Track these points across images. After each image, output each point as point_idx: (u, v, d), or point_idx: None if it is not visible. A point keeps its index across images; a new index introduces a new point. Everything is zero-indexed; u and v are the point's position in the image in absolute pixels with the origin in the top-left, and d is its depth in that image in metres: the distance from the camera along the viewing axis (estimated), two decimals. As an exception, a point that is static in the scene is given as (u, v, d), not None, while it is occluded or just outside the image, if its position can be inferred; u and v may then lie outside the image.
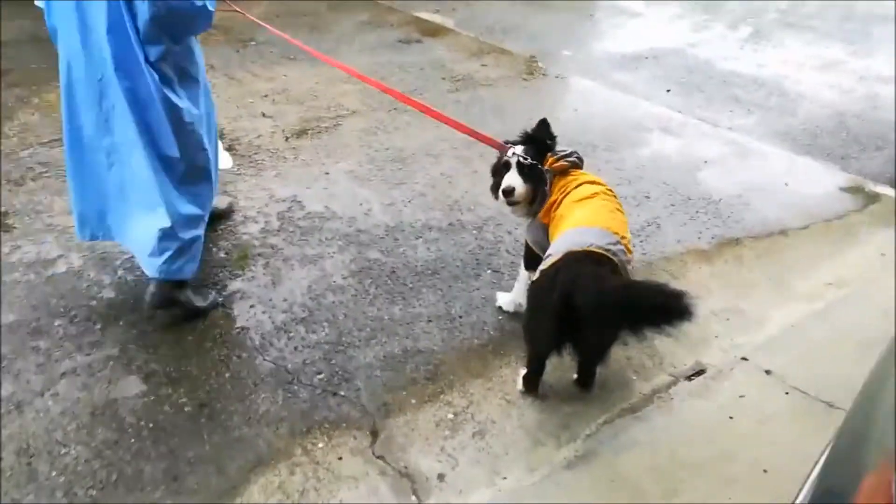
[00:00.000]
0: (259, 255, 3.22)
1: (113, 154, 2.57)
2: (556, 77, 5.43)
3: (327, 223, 3.48)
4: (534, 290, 2.34)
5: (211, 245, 3.23)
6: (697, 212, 3.67)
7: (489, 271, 3.18)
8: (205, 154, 2.69)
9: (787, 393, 2.46)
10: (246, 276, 3.07)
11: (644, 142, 4.41)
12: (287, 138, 4.30)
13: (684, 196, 3.85)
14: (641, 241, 3.42)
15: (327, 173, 3.94)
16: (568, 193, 2.43)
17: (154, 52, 2.41)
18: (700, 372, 2.62)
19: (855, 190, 3.90)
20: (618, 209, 2.41)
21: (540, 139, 2.58)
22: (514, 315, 2.84)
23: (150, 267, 2.65)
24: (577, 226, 2.27)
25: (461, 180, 3.95)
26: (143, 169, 2.54)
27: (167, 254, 2.61)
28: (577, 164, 2.57)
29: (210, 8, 2.42)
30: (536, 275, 2.28)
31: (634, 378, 2.59)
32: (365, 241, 3.36)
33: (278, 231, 3.40)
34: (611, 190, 2.51)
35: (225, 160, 3.50)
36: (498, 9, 7.02)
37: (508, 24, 6.58)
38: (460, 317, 2.87)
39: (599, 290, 2.02)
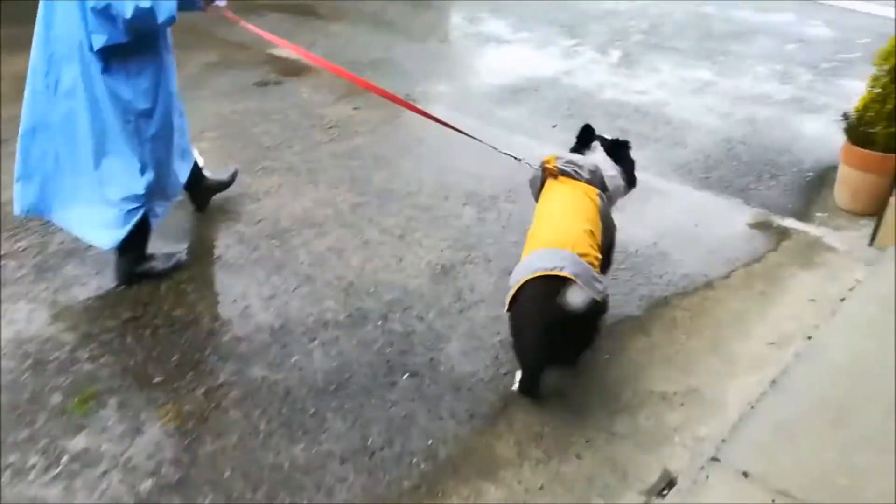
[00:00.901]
0: (107, 391, 2.51)
1: (55, 128, 2.76)
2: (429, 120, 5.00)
3: (189, 333, 2.82)
4: (511, 314, 2.48)
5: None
6: (617, 269, 3.35)
7: (405, 376, 2.66)
8: (145, 148, 2.84)
9: (773, 501, 2.13)
10: (93, 429, 2.35)
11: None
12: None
13: (597, 248, 3.53)
14: (567, 313, 3.04)
15: (184, 262, 3.26)
16: (546, 198, 2.76)
17: (97, 40, 2.58)
18: (671, 483, 2.24)
19: (763, 226, 3.76)
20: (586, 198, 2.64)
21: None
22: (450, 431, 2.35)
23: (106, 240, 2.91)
24: (539, 247, 2.49)
25: (352, 254, 3.41)
26: (87, 148, 2.76)
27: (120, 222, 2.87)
28: (572, 175, 2.71)
29: (145, 7, 2.48)
30: (507, 298, 2.45)
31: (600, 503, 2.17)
32: (245, 352, 2.74)
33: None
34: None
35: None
36: (360, 41, 6.52)
37: (374, 57, 6.09)
38: (380, 448, 2.33)
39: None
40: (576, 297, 2.23)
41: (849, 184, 3.80)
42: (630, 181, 2.95)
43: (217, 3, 3.03)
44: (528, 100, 5.36)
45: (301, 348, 2.76)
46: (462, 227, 3.67)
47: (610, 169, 2.82)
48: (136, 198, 2.87)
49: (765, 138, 4.79)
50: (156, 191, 2.96)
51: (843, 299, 3.12)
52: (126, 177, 2.83)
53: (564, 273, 2.28)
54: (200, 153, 3.60)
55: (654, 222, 3.75)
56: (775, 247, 3.56)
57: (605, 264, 2.72)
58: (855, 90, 5.63)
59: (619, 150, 2.92)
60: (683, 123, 4.99)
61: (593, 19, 7.35)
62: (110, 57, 2.65)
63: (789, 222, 3.78)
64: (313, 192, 3.95)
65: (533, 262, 2.40)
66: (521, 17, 7.40)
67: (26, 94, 2.77)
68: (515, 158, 2.99)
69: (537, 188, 2.88)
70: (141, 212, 2.91)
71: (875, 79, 3.61)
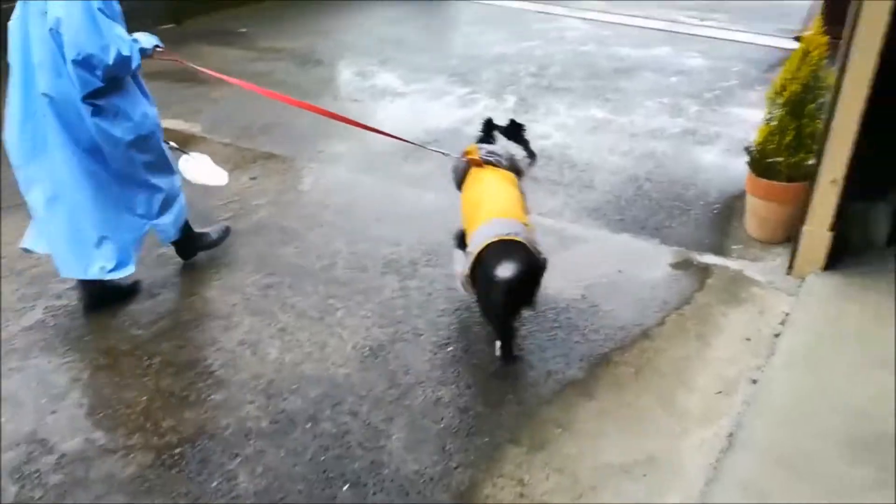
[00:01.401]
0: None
1: (40, 176, 3.01)
2: (334, 184, 4.79)
3: (95, 469, 2.43)
4: (476, 279, 2.81)
5: None
6: (552, 328, 3.22)
7: (345, 487, 2.38)
8: (139, 169, 3.16)
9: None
10: None
11: (463, 247, 3.92)
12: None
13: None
14: (511, 386, 2.87)
15: (78, 378, 2.85)
16: (475, 186, 3.12)
17: (81, 88, 2.81)
18: (651, 571, 2.08)
19: (685, 265, 3.75)
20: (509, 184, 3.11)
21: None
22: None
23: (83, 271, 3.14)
24: (483, 223, 2.82)
25: (268, 346, 3.10)
26: (75, 190, 3.02)
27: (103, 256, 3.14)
28: (492, 159, 3.15)
29: (126, 55, 2.83)
30: (469, 261, 2.79)
31: None
32: (155, 484, 2.37)
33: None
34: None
35: (221, 177, 3.76)
36: (249, 106, 6.23)
37: (266, 121, 5.82)
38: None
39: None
40: (532, 260, 2.72)
41: (757, 214, 3.87)
42: (531, 156, 3.46)
43: (159, 48, 3.30)
44: (431, 154, 5.23)
45: (221, 469, 2.43)
46: (385, 300, 3.44)
47: (516, 155, 3.34)
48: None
49: (668, 173, 4.86)
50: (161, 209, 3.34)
51: (776, 335, 3.11)
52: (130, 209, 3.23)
53: (519, 238, 2.70)
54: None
55: (579, 273, 3.67)
56: (700, 286, 3.55)
57: None
58: (740, 117, 5.91)
59: (516, 132, 3.42)
60: (588, 165, 5.01)
61: (483, 65, 7.40)
62: (96, 100, 2.88)
63: (708, 258, 3.80)
64: (217, 278, 3.62)
65: (491, 229, 2.77)
66: (411, 67, 7.35)
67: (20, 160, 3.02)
68: (444, 154, 3.63)
69: (460, 177, 3.30)
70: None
71: (770, 112, 3.70)
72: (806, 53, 3.56)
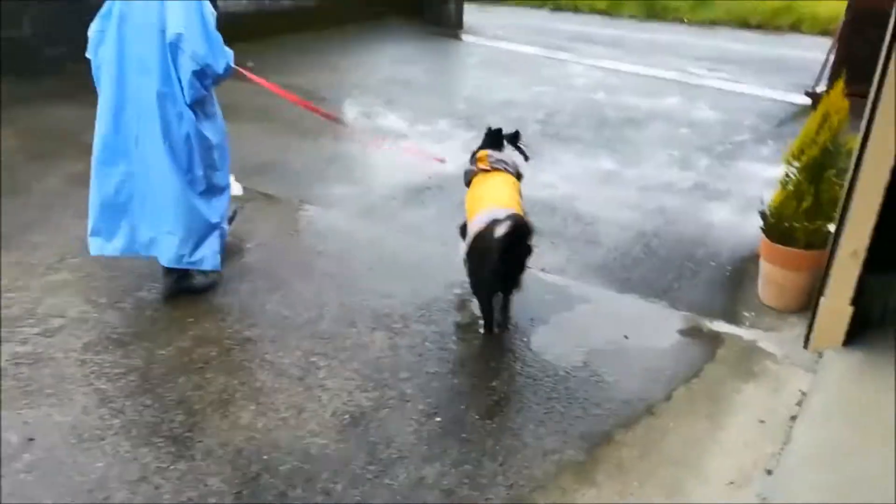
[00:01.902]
0: None
1: (133, 173, 3.32)
2: (328, 229, 4.60)
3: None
4: (471, 255, 3.27)
5: None
6: (549, 399, 2.98)
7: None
8: (220, 174, 3.49)
9: None
10: None
11: (455, 305, 3.70)
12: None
13: (523, 371, 3.17)
14: (501, 465, 2.62)
15: (31, 438, 2.61)
16: (481, 185, 3.54)
17: (191, 95, 3.17)
18: None
19: (694, 332, 3.52)
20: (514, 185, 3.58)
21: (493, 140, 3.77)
22: None
23: (175, 259, 3.42)
24: (483, 209, 3.25)
25: (241, 409, 2.87)
26: (168, 184, 3.30)
27: (188, 248, 3.41)
28: (499, 166, 3.60)
29: (231, 65, 3.25)
30: (469, 240, 3.24)
31: None
32: (102, 571, 2.12)
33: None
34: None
35: (235, 188, 4.02)
36: (247, 142, 6.08)
37: (264, 159, 5.66)
38: None
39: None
40: (524, 221, 3.11)
41: (773, 281, 3.65)
42: (525, 158, 3.88)
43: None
44: (434, 200, 5.06)
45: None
46: (372, 359, 3.21)
47: (516, 159, 3.77)
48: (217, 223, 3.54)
49: (677, 230, 4.66)
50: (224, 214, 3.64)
51: (793, 417, 2.87)
52: (209, 205, 3.49)
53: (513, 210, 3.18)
54: (63, 285, 3.03)
55: (581, 336, 3.44)
56: (711, 356, 3.31)
57: None
58: (751, 174, 5.74)
59: (514, 139, 3.87)
60: (594, 218, 4.81)
61: (489, 111, 7.27)
62: (196, 106, 3.26)
63: (719, 325, 3.57)
64: (194, 327, 3.40)
65: (491, 214, 3.16)
66: (417, 110, 7.24)
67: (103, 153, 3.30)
68: (441, 161, 4.17)
69: (469, 178, 3.71)
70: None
71: (787, 175, 3.51)
72: (826, 117, 3.38)
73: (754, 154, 6.21)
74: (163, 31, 3.09)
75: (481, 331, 3.40)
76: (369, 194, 5.16)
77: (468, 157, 3.90)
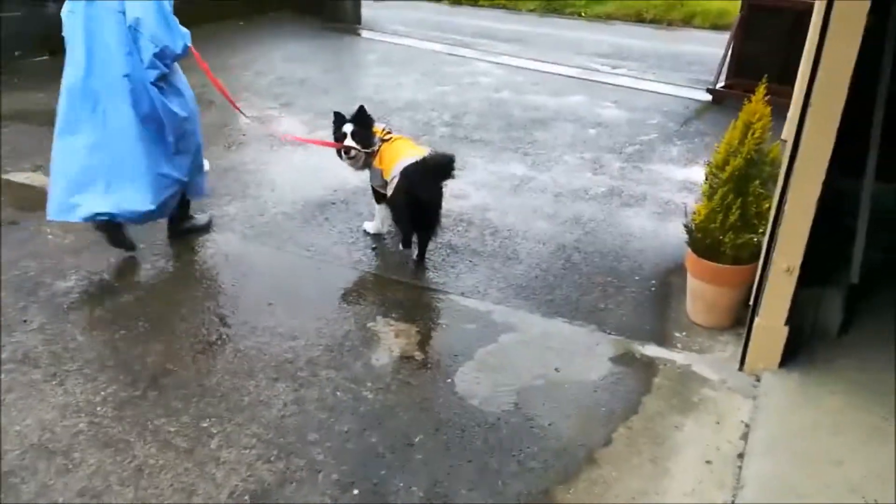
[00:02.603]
0: None
1: (99, 143, 3.57)
2: (219, 257, 4.09)
3: None
4: (394, 197, 3.87)
5: None
6: (481, 453, 2.66)
7: None
8: (189, 140, 3.81)
9: None
10: None
11: (367, 340, 3.32)
12: None
13: (449, 422, 2.83)
14: (432, 545, 2.27)
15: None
16: (390, 147, 4.00)
17: (153, 75, 3.49)
18: None
19: (627, 359, 3.30)
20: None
21: (361, 119, 4.05)
22: None
23: (144, 206, 3.67)
24: (401, 158, 3.84)
25: (118, 495, 2.39)
26: (135, 151, 3.60)
27: (162, 197, 3.72)
28: (399, 135, 4.16)
29: (188, 44, 3.59)
30: (391, 189, 3.86)
31: None
32: None
33: None
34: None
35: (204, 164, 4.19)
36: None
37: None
38: None
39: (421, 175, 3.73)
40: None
41: (702, 298, 3.49)
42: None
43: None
44: (337, 216, 4.63)
45: None
46: (275, 419, 2.78)
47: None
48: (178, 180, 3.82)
49: (597, 242, 4.46)
50: (193, 170, 3.93)
51: (739, 455, 2.68)
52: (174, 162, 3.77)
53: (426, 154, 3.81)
54: None
55: (510, 373, 3.14)
56: (647, 387, 3.09)
57: None
58: (664, 176, 5.64)
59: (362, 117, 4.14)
60: (511, 232, 4.53)
61: (394, 112, 6.89)
62: (161, 83, 3.55)
63: (651, 350, 3.36)
64: (60, 392, 2.85)
65: (404, 161, 3.80)
66: (315, 112, 6.75)
67: (67, 124, 3.58)
68: (355, 149, 4.05)
69: (374, 153, 4.07)
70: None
71: (710, 187, 3.34)
72: (748, 125, 3.22)
73: (664, 155, 6.14)
74: (123, 14, 3.39)
75: (401, 247, 4.12)
76: (266, 212, 4.67)
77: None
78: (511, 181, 5.40)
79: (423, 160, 3.71)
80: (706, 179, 3.40)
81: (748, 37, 7.69)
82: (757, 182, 3.20)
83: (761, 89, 3.25)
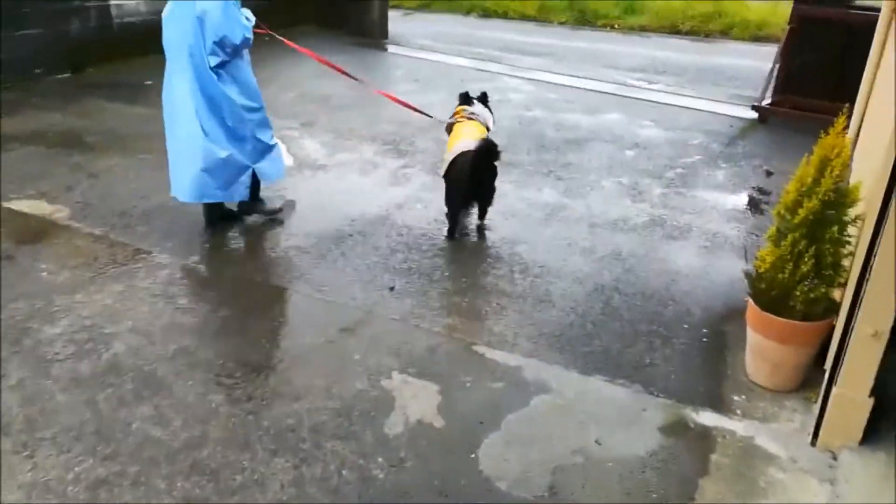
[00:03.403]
0: None
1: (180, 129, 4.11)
2: (219, 299, 3.75)
3: None
4: (445, 178, 4.39)
5: None
6: (509, 553, 2.25)
7: None
8: (246, 126, 4.19)
9: None
10: None
11: (381, 402, 2.93)
12: None
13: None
14: None
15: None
16: (456, 128, 4.52)
17: (214, 60, 3.92)
18: None
19: (679, 429, 2.86)
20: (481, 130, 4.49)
21: (465, 99, 4.78)
22: None
23: (212, 195, 4.22)
24: (457, 142, 4.29)
25: None
26: (195, 136, 4.06)
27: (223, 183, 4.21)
28: (474, 118, 4.57)
29: (248, 36, 4.00)
30: (443, 168, 4.38)
31: None
32: None
33: None
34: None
35: (287, 158, 4.84)
36: (135, 181, 5.15)
37: (154, 203, 4.74)
38: None
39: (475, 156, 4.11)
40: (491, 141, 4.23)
41: (764, 357, 3.04)
42: (491, 112, 4.80)
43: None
44: (354, 251, 4.26)
45: None
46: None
47: (486, 113, 4.70)
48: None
49: (639, 281, 4.02)
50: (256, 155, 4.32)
51: (821, 563, 2.23)
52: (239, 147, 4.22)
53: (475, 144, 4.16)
54: None
55: (544, 447, 2.72)
56: (705, 466, 2.65)
57: None
58: (710, 204, 5.16)
59: (484, 100, 4.82)
60: (543, 269, 4.12)
61: (419, 132, 6.52)
62: (220, 69, 3.97)
63: (707, 417, 2.92)
64: (28, 467, 2.51)
65: (464, 145, 4.19)
66: (337, 133, 6.43)
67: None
68: (429, 116, 4.80)
69: (449, 127, 4.61)
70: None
71: (779, 231, 2.90)
72: (825, 161, 2.77)
73: (709, 180, 5.67)
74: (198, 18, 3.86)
75: (445, 235, 4.41)
76: (278, 245, 4.33)
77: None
78: (543, 209, 4.98)
79: (471, 151, 4.11)
80: (773, 222, 2.94)
81: (797, 50, 7.18)
82: (835, 228, 2.75)
83: (842, 120, 2.79)
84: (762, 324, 2.97)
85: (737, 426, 2.87)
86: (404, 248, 4.31)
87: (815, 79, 7.14)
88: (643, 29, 12.97)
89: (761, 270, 2.93)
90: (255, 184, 4.36)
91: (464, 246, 4.40)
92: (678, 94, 8.38)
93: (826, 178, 2.74)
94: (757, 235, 4.61)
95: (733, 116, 7.45)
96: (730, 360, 3.31)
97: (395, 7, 12.42)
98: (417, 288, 3.86)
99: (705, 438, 2.80)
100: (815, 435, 2.73)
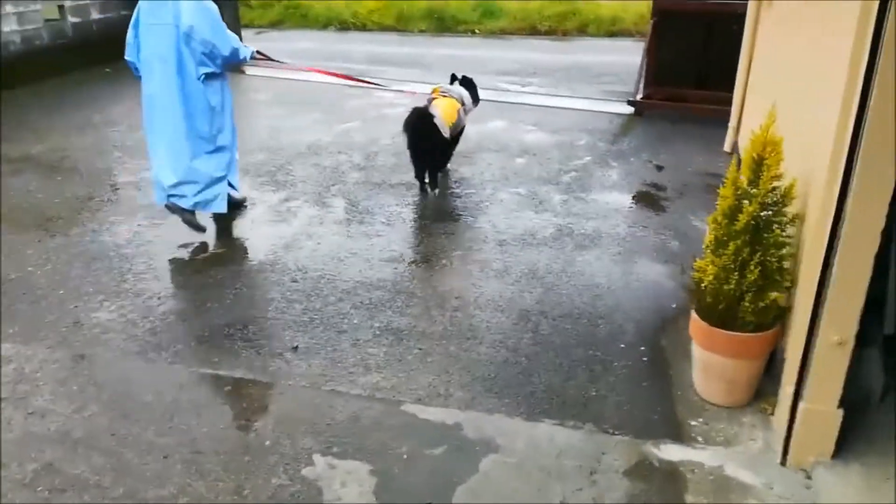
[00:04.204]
0: None
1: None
2: (96, 383, 3.10)
3: None
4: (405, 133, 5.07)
5: None
6: None
7: None
8: (224, 134, 4.48)
9: None
10: None
11: (309, 496, 2.45)
12: None
13: None
14: None
15: None
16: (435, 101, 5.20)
17: (202, 70, 4.20)
18: None
19: (644, 470, 2.58)
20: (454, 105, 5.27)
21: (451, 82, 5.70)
22: None
23: (188, 202, 4.41)
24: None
25: None
26: (181, 144, 4.32)
27: (202, 195, 4.45)
28: (447, 95, 5.31)
29: (241, 55, 4.37)
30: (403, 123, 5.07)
31: None
32: None
33: None
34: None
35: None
36: (38, 194, 4.30)
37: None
38: None
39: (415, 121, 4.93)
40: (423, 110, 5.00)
41: (720, 376, 2.83)
42: (475, 100, 5.76)
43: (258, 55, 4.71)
44: (241, 309, 3.70)
45: None
46: None
47: (465, 95, 5.52)
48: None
49: (563, 301, 3.76)
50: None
51: None
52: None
53: (432, 112, 5.01)
54: None
55: (504, 518, 2.35)
56: (681, 512, 2.38)
57: (452, 143, 5.38)
58: (611, 206, 5.03)
59: (469, 84, 5.74)
60: (461, 301, 3.76)
61: (296, 159, 6.02)
62: (206, 78, 4.26)
63: (670, 451, 2.66)
64: None
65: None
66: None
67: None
68: (411, 93, 5.65)
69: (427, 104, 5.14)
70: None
71: (717, 241, 2.69)
72: (759, 161, 2.60)
73: (604, 181, 5.56)
74: (177, 27, 4.06)
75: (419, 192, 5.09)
76: (152, 312, 3.69)
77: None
78: (445, 231, 4.63)
79: (416, 108, 5.00)
80: (709, 231, 2.74)
81: (662, 43, 7.31)
82: (778, 232, 2.58)
83: (772, 116, 2.62)
84: (712, 341, 2.76)
85: (702, 456, 2.63)
86: (301, 296, 3.81)
87: (682, 69, 7.31)
88: (503, 32, 13.03)
89: (704, 283, 2.71)
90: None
91: (368, 283, 3.95)
92: (554, 96, 8.34)
93: (764, 179, 2.55)
94: (664, 236, 4.51)
95: (611, 113, 7.47)
96: (675, 377, 3.09)
97: (246, 27, 11.70)
98: (324, 342, 3.39)
99: (674, 477, 2.53)
100: (785, 453, 2.54)
